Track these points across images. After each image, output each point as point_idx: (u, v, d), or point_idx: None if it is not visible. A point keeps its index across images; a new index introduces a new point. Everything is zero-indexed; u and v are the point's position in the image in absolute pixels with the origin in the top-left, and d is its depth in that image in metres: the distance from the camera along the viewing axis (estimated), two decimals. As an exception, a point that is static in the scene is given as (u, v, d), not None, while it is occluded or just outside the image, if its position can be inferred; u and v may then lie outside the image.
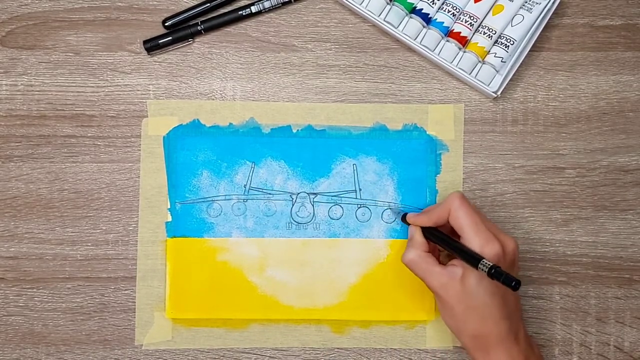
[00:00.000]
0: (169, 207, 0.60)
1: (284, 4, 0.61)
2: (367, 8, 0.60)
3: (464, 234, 0.52)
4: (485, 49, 0.59)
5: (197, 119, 0.61)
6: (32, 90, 0.61)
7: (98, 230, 0.60)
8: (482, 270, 0.48)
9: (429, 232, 0.55)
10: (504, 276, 0.47)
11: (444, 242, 0.53)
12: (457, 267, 0.51)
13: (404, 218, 0.58)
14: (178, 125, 0.60)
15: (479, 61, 0.60)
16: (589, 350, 0.60)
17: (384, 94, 0.61)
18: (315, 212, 0.60)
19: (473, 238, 0.51)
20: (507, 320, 0.52)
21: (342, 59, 0.61)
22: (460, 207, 0.52)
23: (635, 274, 0.61)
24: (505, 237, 0.53)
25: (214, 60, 0.61)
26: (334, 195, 0.60)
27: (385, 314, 0.60)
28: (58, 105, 0.61)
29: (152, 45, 0.60)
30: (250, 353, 0.60)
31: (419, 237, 0.55)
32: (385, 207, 0.60)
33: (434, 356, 0.60)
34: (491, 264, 0.48)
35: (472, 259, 0.50)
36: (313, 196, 0.60)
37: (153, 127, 0.61)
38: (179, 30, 0.61)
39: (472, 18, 0.59)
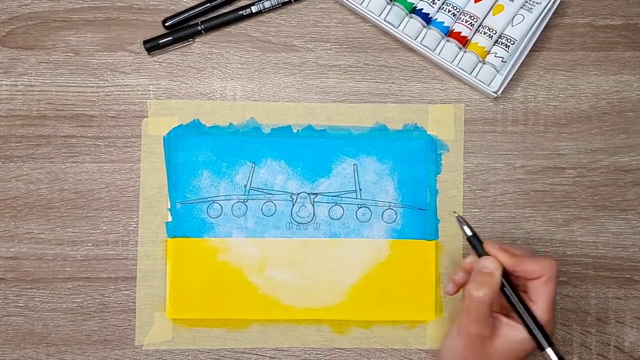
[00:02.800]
0: (169, 207, 0.60)
1: (284, 4, 0.61)
2: (367, 8, 0.60)
3: (539, 305, 0.48)
4: (485, 49, 0.59)
5: (197, 119, 0.61)
6: (32, 90, 0.61)
7: (98, 231, 0.60)
8: (548, 357, 0.48)
9: (506, 282, 0.49)
10: None
11: (513, 298, 0.49)
12: (521, 329, 0.49)
13: (475, 241, 0.51)
14: (178, 125, 0.60)
15: (479, 61, 0.60)
16: (589, 351, 0.60)
17: (384, 94, 0.61)
18: (315, 212, 0.60)
19: (544, 313, 0.48)
20: None
21: (342, 59, 0.61)
22: (554, 279, 0.48)
23: (636, 274, 0.61)
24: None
25: (214, 60, 0.61)
26: (335, 196, 0.60)
27: (386, 314, 0.60)
28: (58, 105, 0.61)
29: (152, 45, 0.60)
30: (250, 353, 0.60)
31: (499, 277, 0.48)
32: (386, 207, 0.60)
33: (434, 356, 0.60)
34: (559, 355, 0.47)
35: (539, 342, 0.48)
36: (313, 196, 0.60)
37: (153, 127, 0.60)
38: (179, 30, 0.60)
39: (472, 18, 0.59)
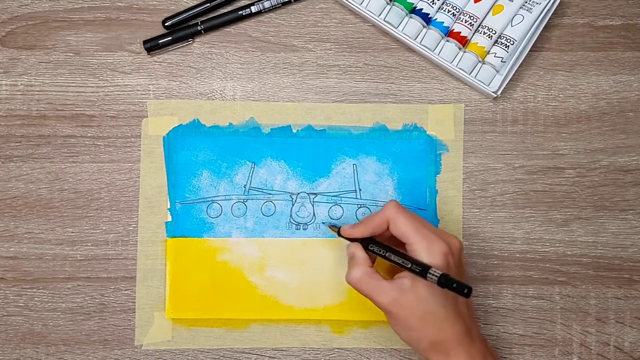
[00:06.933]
0: (169, 207, 0.60)
1: (284, 4, 0.61)
2: (367, 8, 0.60)
3: (408, 239, 0.51)
4: (485, 49, 0.59)
5: (197, 119, 0.61)
6: (32, 90, 0.61)
7: (98, 230, 0.60)
8: (432, 279, 0.47)
9: (371, 245, 0.53)
10: (455, 284, 0.46)
11: (387, 254, 0.51)
12: (405, 279, 0.50)
13: (339, 231, 0.55)
14: (178, 125, 0.60)
15: (479, 61, 0.60)
16: (589, 351, 0.60)
17: (384, 94, 0.61)
18: (315, 212, 0.60)
19: (419, 241, 0.50)
20: (462, 321, 0.51)
21: (342, 59, 0.61)
22: (399, 214, 0.51)
23: (635, 274, 0.61)
24: (450, 236, 0.52)
25: (214, 60, 0.61)
26: (334, 196, 0.60)
27: (385, 314, 0.60)
28: (58, 105, 0.61)
29: (152, 45, 0.60)
30: (250, 353, 0.60)
31: (361, 252, 0.53)
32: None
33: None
34: (440, 273, 0.47)
35: (420, 268, 0.48)
36: (313, 196, 0.60)
37: (153, 127, 0.61)
38: (179, 30, 0.61)
39: (472, 18, 0.59)
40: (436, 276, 0.47)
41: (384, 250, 0.51)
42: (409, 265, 0.49)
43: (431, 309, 0.50)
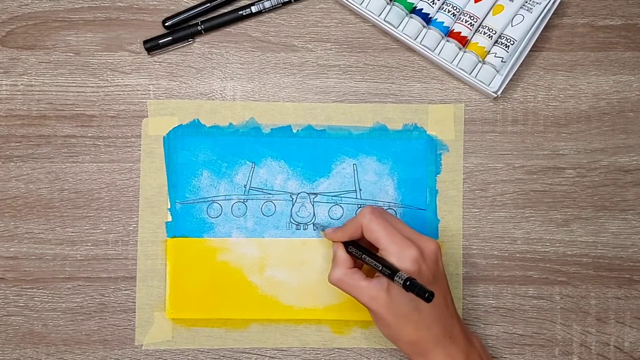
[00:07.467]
0: (169, 207, 0.60)
1: (284, 4, 0.61)
2: (367, 8, 0.60)
3: (380, 245, 0.52)
4: (485, 49, 0.59)
5: (197, 119, 0.61)
6: (32, 90, 0.61)
7: (98, 230, 0.60)
8: (398, 283, 0.48)
9: (350, 247, 0.54)
10: (417, 288, 0.47)
11: (363, 257, 0.53)
12: (382, 278, 0.52)
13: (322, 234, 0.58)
14: (178, 125, 0.60)
15: (479, 61, 0.60)
16: (589, 351, 0.60)
17: (384, 94, 0.61)
18: (315, 212, 0.60)
19: (389, 247, 0.51)
20: (439, 322, 0.52)
21: (342, 59, 0.61)
22: (372, 220, 0.52)
23: (635, 274, 0.61)
24: (424, 240, 0.53)
25: (214, 60, 0.61)
26: (334, 196, 0.60)
27: (386, 314, 0.60)
28: (58, 105, 0.61)
29: (152, 45, 0.60)
30: (250, 353, 0.60)
31: (341, 253, 0.54)
32: (386, 207, 0.60)
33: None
34: (406, 277, 0.48)
35: (389, 272, 0.50)
36: (313, 196, 0.60)
37: (153, 127, 0.61)
38: (179, 30, 0.61)
39: (472, 18, 0.59)
40: (402, 279, 0.48)
41: (360, 252, 0.53)
42: (380, 268, 0.51)
43: (405, 311, 0.51)
